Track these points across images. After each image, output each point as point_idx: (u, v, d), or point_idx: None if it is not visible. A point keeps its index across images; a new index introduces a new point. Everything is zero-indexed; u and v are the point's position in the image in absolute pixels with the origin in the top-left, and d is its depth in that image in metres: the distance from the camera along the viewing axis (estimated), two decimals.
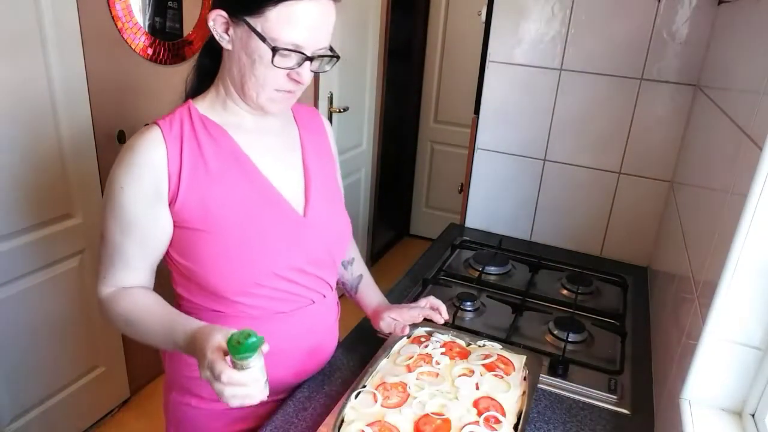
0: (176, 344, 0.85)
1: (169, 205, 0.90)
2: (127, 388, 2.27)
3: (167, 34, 2.08)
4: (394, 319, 1.13)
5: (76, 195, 1.87)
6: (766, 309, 0.79)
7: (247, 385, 0.74)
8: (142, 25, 1.98)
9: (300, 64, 0.87)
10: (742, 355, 0.82)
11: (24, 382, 1.84)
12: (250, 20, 0.84)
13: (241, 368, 0.74)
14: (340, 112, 2.79)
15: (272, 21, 0.83)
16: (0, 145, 1.61)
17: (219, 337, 0.77)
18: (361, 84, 3.01)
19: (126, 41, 1.94)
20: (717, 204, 0.93)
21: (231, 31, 0.87)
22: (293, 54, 0.85)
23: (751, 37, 0.97)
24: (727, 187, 0.88)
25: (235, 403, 0.75)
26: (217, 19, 0.87)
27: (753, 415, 0.83)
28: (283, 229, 0.96)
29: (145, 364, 2.32)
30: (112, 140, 1.98)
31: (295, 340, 1.03)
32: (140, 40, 1.98)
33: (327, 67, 0.93)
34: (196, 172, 0.90)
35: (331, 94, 2.72)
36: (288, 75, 0.88)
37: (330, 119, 2.76)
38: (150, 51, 2.02)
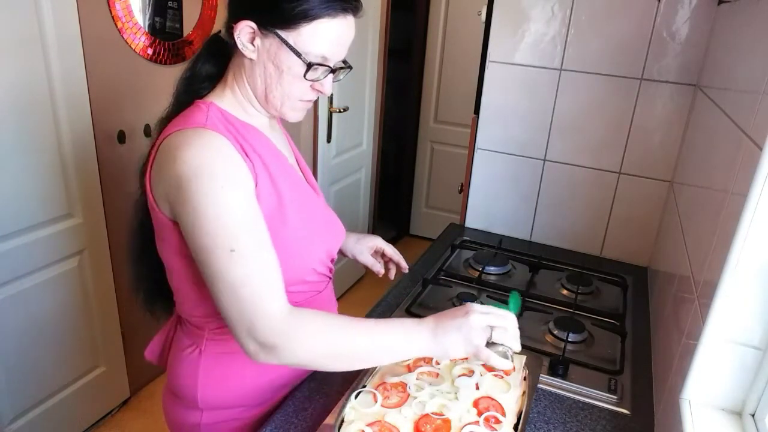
0: (420, 329, 0.88)
1: None
2: (127, 388, 2.27)
3: (167, 34, 2.08)
4: (368, 246, 1.29)
5: (76, 195, 1.87)
6: (766, 309, 0.79)
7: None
8: (142, 25, 1.98)
9: (325, 76, 0.90)
10: (742, 355, 0.82)
11: (24, 382, 1.84)
12: (282, 33, 0.84)
13: None
14: (340, 112, 2.79)
15: (305, 36, 0.84)
16: (0, 145, 1.61)
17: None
18: (361, 84, 3.01)
19: (126, 41, 1.94)
20: (717, 204, 0.93)
21: (257, 42, 0.86)
22: (320, 67, 0.88)
23: (751, 37, 0.97)
24: (727, 187, 0.88)
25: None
26: (244, 29, 0.86)
27: (753, 415, 0.83)
28: (322, 216, 1.05)
29: (145, 365, 2.31)
30: (112, 140, 1.98)
31: None
32: (140, 40, 1.98)
33: (341, 77, 0.97)
34: (257, 168, 0.90)
35: (331, 94, 2.72)
36: (312, 86, 0.91)
37: (330, 119, 2.76)
38: (150, 51, 2.03)
